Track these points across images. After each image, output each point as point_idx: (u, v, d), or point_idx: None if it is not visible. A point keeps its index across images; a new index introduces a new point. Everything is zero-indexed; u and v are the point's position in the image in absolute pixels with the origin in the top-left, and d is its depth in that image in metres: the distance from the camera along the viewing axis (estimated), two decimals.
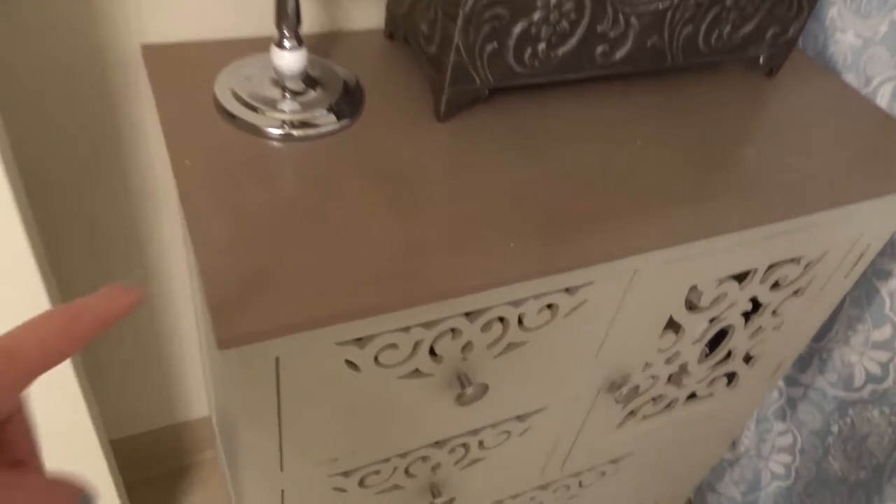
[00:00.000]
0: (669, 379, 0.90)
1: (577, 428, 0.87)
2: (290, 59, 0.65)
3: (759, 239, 0.72)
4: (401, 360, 0.61)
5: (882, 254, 0.92)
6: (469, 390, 0.65)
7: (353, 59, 0.76)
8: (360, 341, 0.57)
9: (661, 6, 0.70)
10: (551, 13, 0.65)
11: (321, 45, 0.77)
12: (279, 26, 0.64)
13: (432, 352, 0.63)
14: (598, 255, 0.61)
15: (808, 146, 0.77)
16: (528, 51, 0.67)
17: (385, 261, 0.55)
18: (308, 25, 0.79)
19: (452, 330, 0.61)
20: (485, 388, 0.66)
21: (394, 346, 0.59)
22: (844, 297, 0.99)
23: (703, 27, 0.75)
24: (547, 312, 0.66)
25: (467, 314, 0.61)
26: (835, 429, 1.05)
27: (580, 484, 1.01)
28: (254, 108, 0.66)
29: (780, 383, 1.12)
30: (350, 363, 0.59)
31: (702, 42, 0.76)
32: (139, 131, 0.80)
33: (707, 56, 0.78)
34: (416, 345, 0.61)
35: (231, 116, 0.66)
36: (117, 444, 1.16)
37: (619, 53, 0.72)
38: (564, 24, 0.67)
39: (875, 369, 0.97)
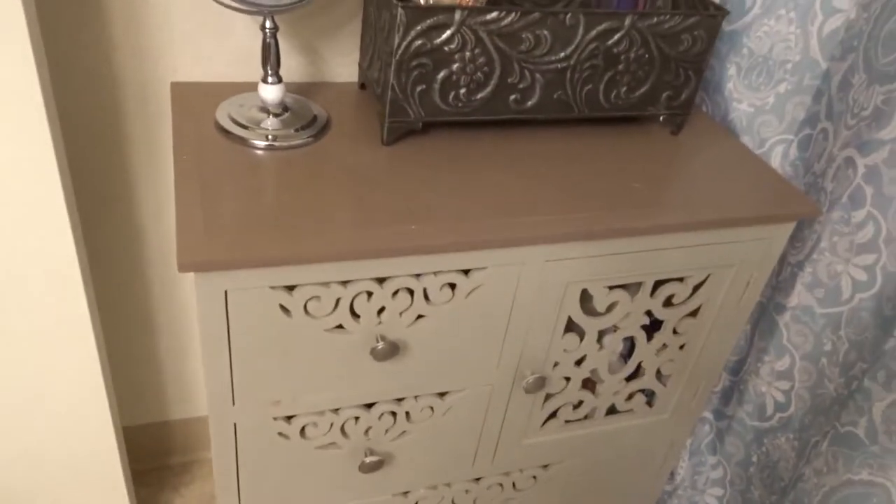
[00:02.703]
0: (585, 385, 1.04)
1: (499, 419, 1.01)
2: (272, 91, 0.88)
3: (630, 251, 0.88)
4: (325, 312, 0.79)
5: (777, 289, 1.06)
6: (381, 344, 0.82)
7: (330, 101, 0.98)
8: (290, 289, 0.76)
9: (559, 66, 0.90)
10: (467, 65, 0.86)
11: (307, 91, 1.00)
12: (264, 66, 0.87)
13: (354, 313, 0.81)
14: (480, 242, 0.79)
15: (692, 186, 0.94)
16: (452, 94, 0.88)
17: (314, 229, 0.75)
18: (298, 76, 1.02)
19: (368, 293, 0.80)
20: (394, 347, 0.83)
21: (318, 297, 0.78)
22: (755, 331, 1.12)
23: (602, 86, 0.94)
24: (448, 290, 0.83)
25: (379, 281, 0.79)
26: (754, 458, 1.15)
27: (514, 485, 1.13)
28: (243, 126, 0.89)
29: (710, 416, 1.23)
30: (283, 308, 0.77)
31: (602, 99, 0.96)
32: (164, 136, 1.03)
33: (610, 111, 0.97)
34: (337, 301, 0.79)
35: (226, 132, 0.88)
36: (130, 431, 1.35)
37: (530, 102, 0.93)
38: (479, 74, 0.88)
39: (780, 398, 1.08)
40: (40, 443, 1.10)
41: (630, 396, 1.09)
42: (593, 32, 0.89)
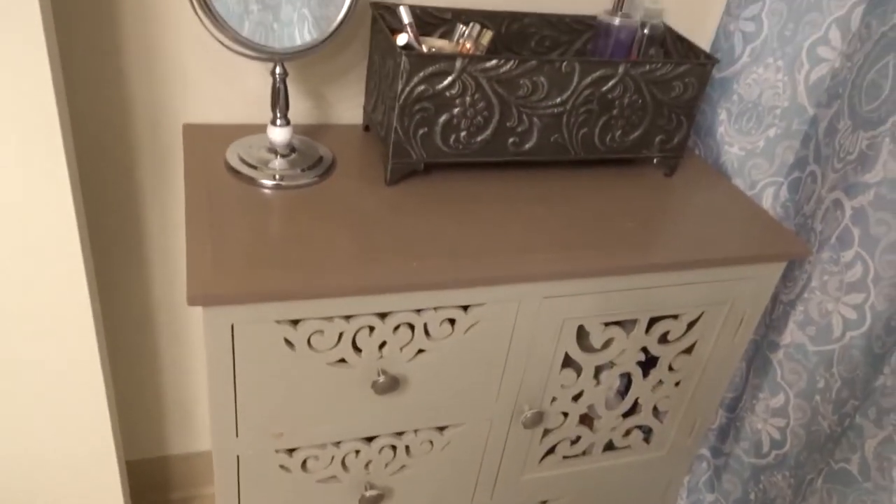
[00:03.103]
0: (582, 421, 1.05)
1: (498, 454, 1.02)
2: (280, 133, 0.92)
3: (625, 289, 0.91)
4: (328, 346, 0.82)
5: (770, 327, 1.08)
6: (382, 378, 0.84)
7: (335, 142, 1.02)
8: (294, 323, 0.79)
9: (555, 110, 0.94)
10: (467, 109, 0.90)
11: (314, 132, 1.04)
12: (273, 110, 0.91)
13: (356, 347, 0.83)
14: (479, 278, 0.81)
15: (685, 226, 0.97)
16: (453, 136, 0.92)
17: (319, 266, 0.78)
18: (305, 118, 1.06)
19: (370, 328, 0.82)
20: (395, 381, 0.85)
21: (321, 332, 0.80)
22: (750, 368, 1.14)
23: (597, 130, 0.98)
24: (448, 326, 0.86)
25: (381, 316, 0.82)
26: (752, 496, 1.16)
27: None
28: (252, 166, 0.92)
29: (707, 453, 1.24)
30: (288, 342, 0.80)
31: (598, 142, 0.99)
32: (176, 175, 1.06)
33: (605, 154, 1.01)
34: (340, 335, 0.81)
35: (235, 172, 0.92)
36: (132, 465, 1.36)
37: (528, 145, 0.96)
38: (479, 118, 0.92)
39: (776, 435, 1.10)
40: (43, 475, 1.11)
41: (627, 433, 1.11)
42: (588, 79, 0.93)
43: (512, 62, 0.88)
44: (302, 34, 0.86)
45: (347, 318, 0.80)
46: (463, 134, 0.92)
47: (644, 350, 1.00)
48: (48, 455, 1.10)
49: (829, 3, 0.97)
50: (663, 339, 1.00)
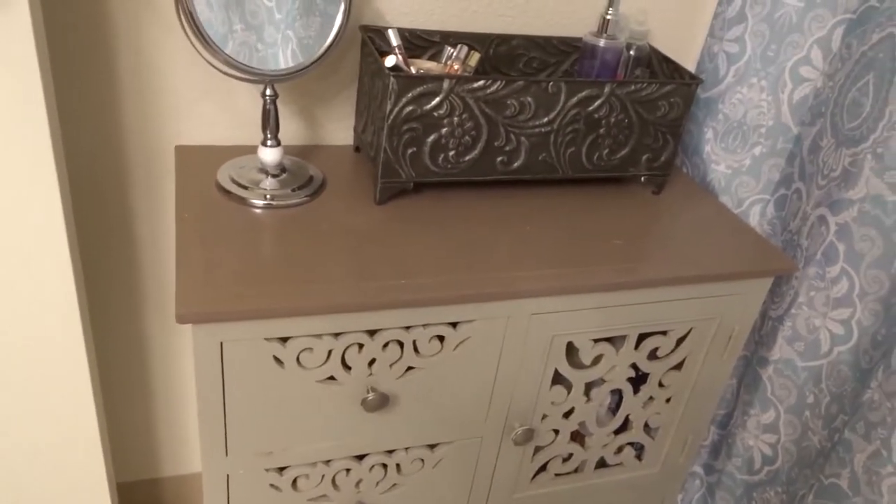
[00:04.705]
0: (574, 438, 1.05)
1: (489, 472, 1.02)
2: (270, 153, 0.93)
3: (613, 305, 0.91)
4: (318, 363, 0.82)
5: (760, 343, 1.08)
6: (371, 395, 0.84)
7: (326, 163, 1.03)
8: (283, 341, 0.79)
9: (542, 130, 0.95)
10: (455, 129, 0.92)
11: (305, 153, 1.05)
12: (264, 131, 0.92)
13: (345, 365, 0.84)
14: (468, 295, 0.82)
15: (673, 243, 0.98)
16: (441, 156, 0.93)
17: (308, 284, 0.78)
18: (297, 139, 1.08)
19: (360, 345, 0.83)
20: (385, 398, 0.85)
21: (310, 349, 0.80)
22: (741, 385, 1.14)
23: (584, 149, 0.99)
24: (437, 343, 0.86)
25: (370, 333, 0.82)
26: None
27: None
28: (243, 186, 0.93)
29: (700, 470, 1.24)
30: (277, 359, 0.80)
31: (585, 160, 1.00)
32: (167, 196, 1.07)
33: (592, 172, 1.02)
34: (329, 353, 0.82)
35: (226, 192, 0.93)
36: (123, 487, 1.35)
37: (516, 164, 0.97)
38: (467, 138, 0.93)
39: (768, 451, 1.10)
40: (34, 497, 1.11)
41: (619, 449, 1.11)
42: (574, 99, 0.94)
43: (499, 83, 0.90)
44: (286, 55, 0.88)
45: (336, 335, 0.81)
46: (451, 153, 0.94)
47: (634, 367, 1.00)
48: (39, 477, 1.09)
49: (811, 24, 0.99)
50: (653, 355, 1.00)
